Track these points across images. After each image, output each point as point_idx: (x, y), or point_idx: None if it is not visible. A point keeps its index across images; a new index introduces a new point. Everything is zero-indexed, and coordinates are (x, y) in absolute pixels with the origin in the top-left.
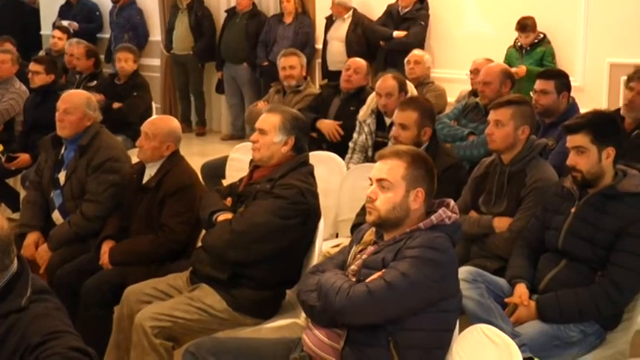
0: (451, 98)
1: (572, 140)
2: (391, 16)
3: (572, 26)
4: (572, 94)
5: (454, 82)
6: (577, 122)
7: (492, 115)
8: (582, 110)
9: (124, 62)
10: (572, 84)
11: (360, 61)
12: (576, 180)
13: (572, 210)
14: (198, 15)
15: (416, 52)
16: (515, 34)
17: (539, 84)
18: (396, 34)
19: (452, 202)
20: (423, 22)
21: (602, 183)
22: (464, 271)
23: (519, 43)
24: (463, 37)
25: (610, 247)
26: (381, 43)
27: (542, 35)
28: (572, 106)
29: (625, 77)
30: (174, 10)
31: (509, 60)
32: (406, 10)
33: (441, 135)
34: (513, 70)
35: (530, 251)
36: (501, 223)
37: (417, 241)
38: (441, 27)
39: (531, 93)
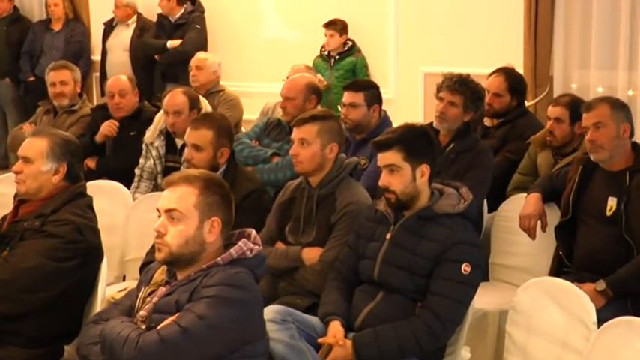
0: (250, 115)
1: (384, 158)
2: (163, 26)
3: (383, 34)
4: (384, 106)
5: (250, 97)
6: (387, 138)
7: (296, 133)
8: (396, 124)
9: None
10: (385, 96)
11: (120, 82)
12: (390, 202)
13: (388, 236)
14: None
15: (199, 54)
16: (321, 42)
17: (347, 96)
18: (169, 44)
19: (253, 233)
20: (198, 26)
21: (417, 204)
22: (271, 311)
23: (326, 52)
24: (255, 44)
25: (429, 275)
26: (156, 57)
27: (350, 43)
28: (385, 121)
29: None
30: None
31: (319, 71)
32: (177, 15)
33: (240, 157)
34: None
35: (344, 284)
36: (311, 254)
37: (215, 278)
38: (226, 33)
39: (339, 107)
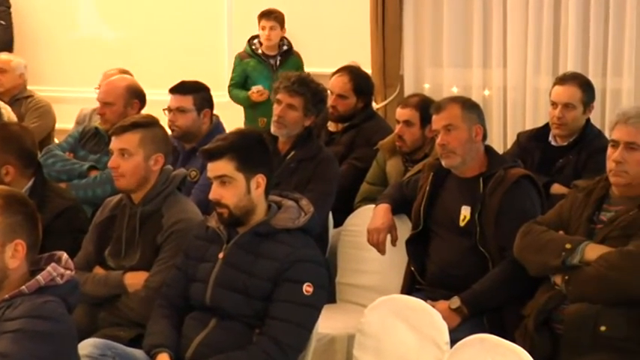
0: (64, 124)
1: (214, 168)
2: None
3: (215, 32)
4: (217, 111)
5: (65, 103)
6: (217, 146)
7: (116, 143)
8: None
9: None
10: (218, 99)
11: None
12: (222, 217)
13: (220, 255)
14: None
15: (1, 56)
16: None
17: (174, 100)
18: None
19: (64, 256)
20: (3, 22)
21: (253, 219)
22: (88, 345)
23: (260, 51)
24: (69, 43)
25: (268, 298)
26: None
27: (285, 40)
28: (217, 127)
29: None
30: None
31: (259, 79)
32: None
33: (52, 171)
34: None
35: (172, 311)
36: (135, 280)
37: (19, 309)
38: (34, 30)
39: (165, 112)
